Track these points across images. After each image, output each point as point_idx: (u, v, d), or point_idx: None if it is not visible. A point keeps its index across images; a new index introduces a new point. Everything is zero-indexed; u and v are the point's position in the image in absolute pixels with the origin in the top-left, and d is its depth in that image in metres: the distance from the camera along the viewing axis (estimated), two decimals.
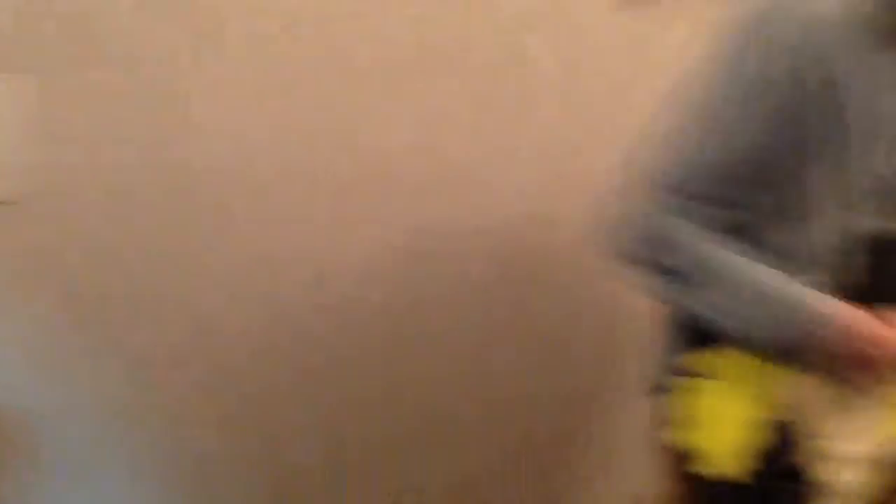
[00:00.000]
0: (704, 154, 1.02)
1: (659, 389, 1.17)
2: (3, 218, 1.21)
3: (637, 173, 1.05)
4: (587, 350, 1.74)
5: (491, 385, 1.65)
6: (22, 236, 1.23)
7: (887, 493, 1.14)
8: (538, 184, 1.60)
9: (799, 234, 1.06)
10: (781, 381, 1.07)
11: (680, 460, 1.11)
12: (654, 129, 1.05)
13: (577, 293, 1.70)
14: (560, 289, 1.68)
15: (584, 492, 1.81)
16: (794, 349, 1.03)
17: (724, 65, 1.02)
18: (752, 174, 1.02)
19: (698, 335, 1.10)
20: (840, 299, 1.04)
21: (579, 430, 1.78)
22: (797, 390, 1.07)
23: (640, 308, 1.23)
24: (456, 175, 1.52)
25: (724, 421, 1.07)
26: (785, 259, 1.05)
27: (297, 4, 1.34)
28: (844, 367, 1.04)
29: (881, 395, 1.08)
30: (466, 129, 1.51)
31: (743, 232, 1.05)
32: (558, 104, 1.58)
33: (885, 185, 1.08)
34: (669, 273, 1.03)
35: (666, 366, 1.17)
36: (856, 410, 1.08)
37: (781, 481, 1.07)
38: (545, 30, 1.53)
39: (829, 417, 1.08)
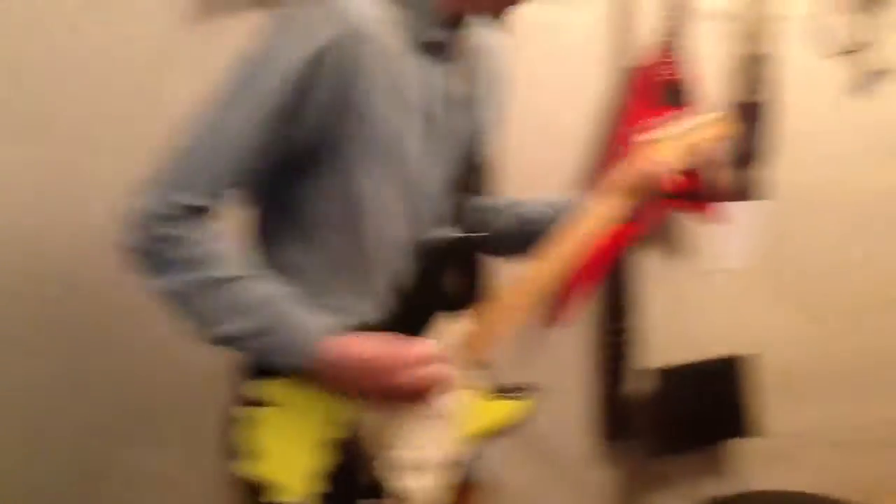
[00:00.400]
0: (224, 163, 1.01)
1: (228, 420, 1.12)
2: None
3: (156, 178, 1.02)
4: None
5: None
6: None
7: (457, 495, 1.16)
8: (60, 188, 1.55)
9: (350, 240, 1.08)
10: (342, 400, 1.06)
11: (251, 492, 1.07)
12: (179, 135, 1.03)
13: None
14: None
15: None
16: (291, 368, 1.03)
17: (241, 70, 1.01)
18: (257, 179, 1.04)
19: (259, 364, 1.07)
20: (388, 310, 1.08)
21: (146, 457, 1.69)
22: (359, 407, 1.07)
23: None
24: None
25: (289, 447, 1.06)
26: (324, 271, 1.08)
27: None
28: (362, 390, 1.04)
29: (438, 404, 1.09)
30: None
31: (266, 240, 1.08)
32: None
33: (419, 191, 1.10)
34: (178, 282, 1.00)
35: (234, 395, 1.12)
36: (418, 419, 1.10)
37: (356, 499, 1.07)
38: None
39: (394, 428, 1.09)
